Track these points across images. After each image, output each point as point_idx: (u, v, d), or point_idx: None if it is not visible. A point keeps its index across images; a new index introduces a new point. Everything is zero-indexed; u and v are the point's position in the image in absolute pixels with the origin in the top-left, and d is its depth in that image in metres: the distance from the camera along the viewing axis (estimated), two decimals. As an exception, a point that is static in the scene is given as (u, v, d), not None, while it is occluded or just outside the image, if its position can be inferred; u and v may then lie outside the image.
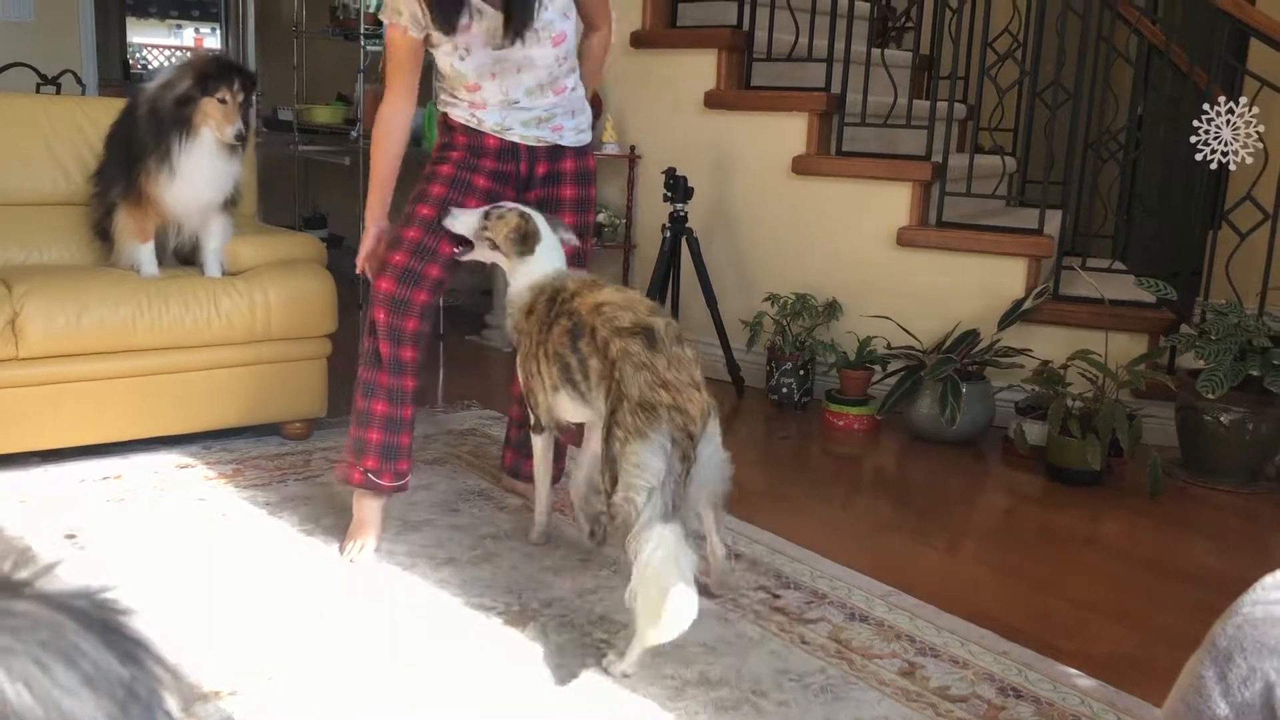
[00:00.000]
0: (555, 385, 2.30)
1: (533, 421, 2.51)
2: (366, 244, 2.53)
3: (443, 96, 2.59)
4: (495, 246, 2.43)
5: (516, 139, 2.55)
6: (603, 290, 2.26)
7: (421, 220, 2.48)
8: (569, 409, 2.34)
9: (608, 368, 2.11)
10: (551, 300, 2.32)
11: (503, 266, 2.47)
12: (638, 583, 1.93)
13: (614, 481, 2.02)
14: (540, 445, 2.55)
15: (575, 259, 2.56)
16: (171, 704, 0.44)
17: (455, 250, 2.48)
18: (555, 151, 2.60)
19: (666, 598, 1.88)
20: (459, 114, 2.55)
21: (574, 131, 2.62)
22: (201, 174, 3.05)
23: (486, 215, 2.43)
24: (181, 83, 2.99)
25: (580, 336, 2.20)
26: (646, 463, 1.98)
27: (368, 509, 2.53)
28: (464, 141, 2.56)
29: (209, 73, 3.00)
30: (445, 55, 2.45)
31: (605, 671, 2.03)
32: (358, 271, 2.58)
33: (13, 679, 0.38)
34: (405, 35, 2.41)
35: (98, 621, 0.43)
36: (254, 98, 3.13)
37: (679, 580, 1.89)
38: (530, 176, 2.61)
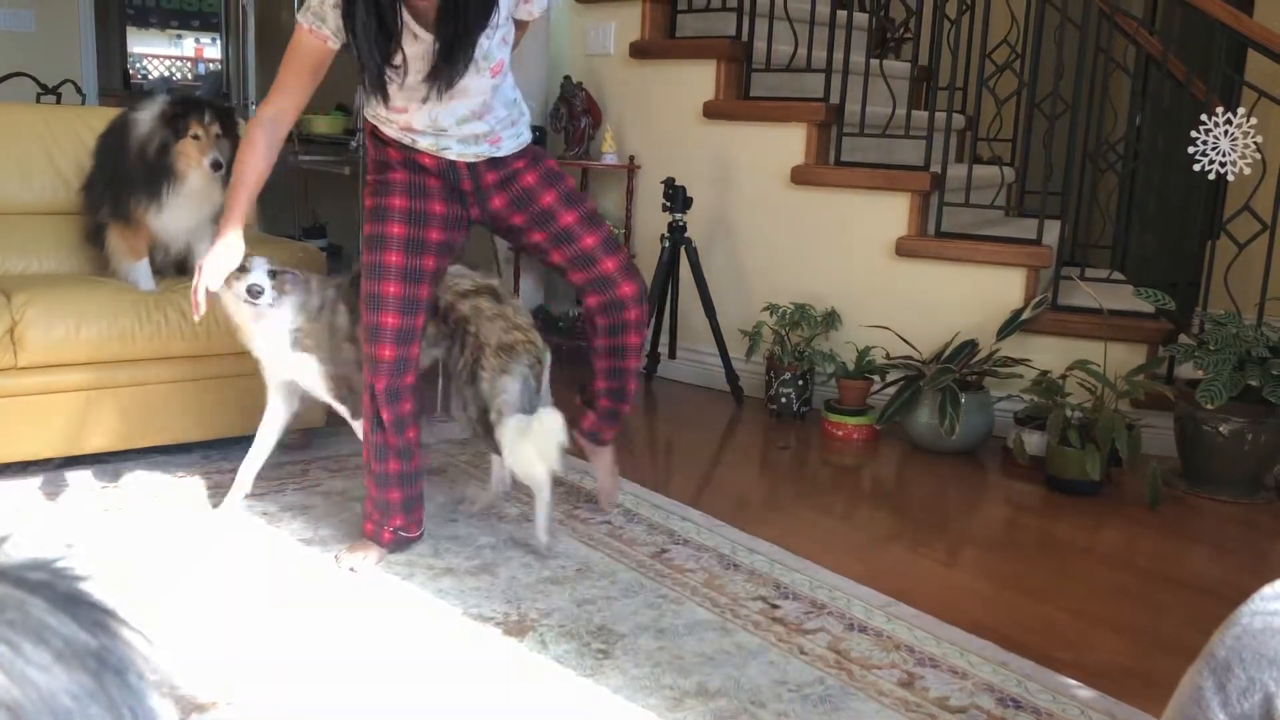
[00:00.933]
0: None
1: (355, 407, 2.64)
2: (215, 260, 2.31)
3: (368, 109, 2.43)
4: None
5: (454, 157, 2.43)
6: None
7: (396, 272, 2.39)
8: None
9: (454, 326, 2.55)
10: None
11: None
12: (509, 450, 2.46)
13: (484, 411, 2.49)
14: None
15: (591, 218, 2.58)
16: (143, 667, 0.44)
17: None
18: (496, 161, 2.48)
19: (531, 430, 2.42)
20: (391, 132, 2.41)
21: (513, 139, 2.49)
22: (190, 206, 3.08)
23: (273, 275, 2.54)
24: (155, 136, 3.01)
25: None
26: (512, 390, 2.48)
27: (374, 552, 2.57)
28: (399, 158, 2.43)
29: (176, 114, 3.01)
30: (370, 77, 2.27)
31: (530, 548, 2.57)
32: (194, 297, 2.31)
33: None
34: (323, 44, 2.25)
35: (61, 594, 0.42)
36: (235, 123, 3.12)
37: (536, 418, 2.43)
38: (481, 187, 2.49)
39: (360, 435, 2.59)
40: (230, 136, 3.04)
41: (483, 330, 2.51)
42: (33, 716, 0.38)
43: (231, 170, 2.68)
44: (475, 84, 2.31)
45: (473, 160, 2.44)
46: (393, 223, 2.41)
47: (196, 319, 2.41)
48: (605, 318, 2.60)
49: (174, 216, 3.08)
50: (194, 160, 3.01)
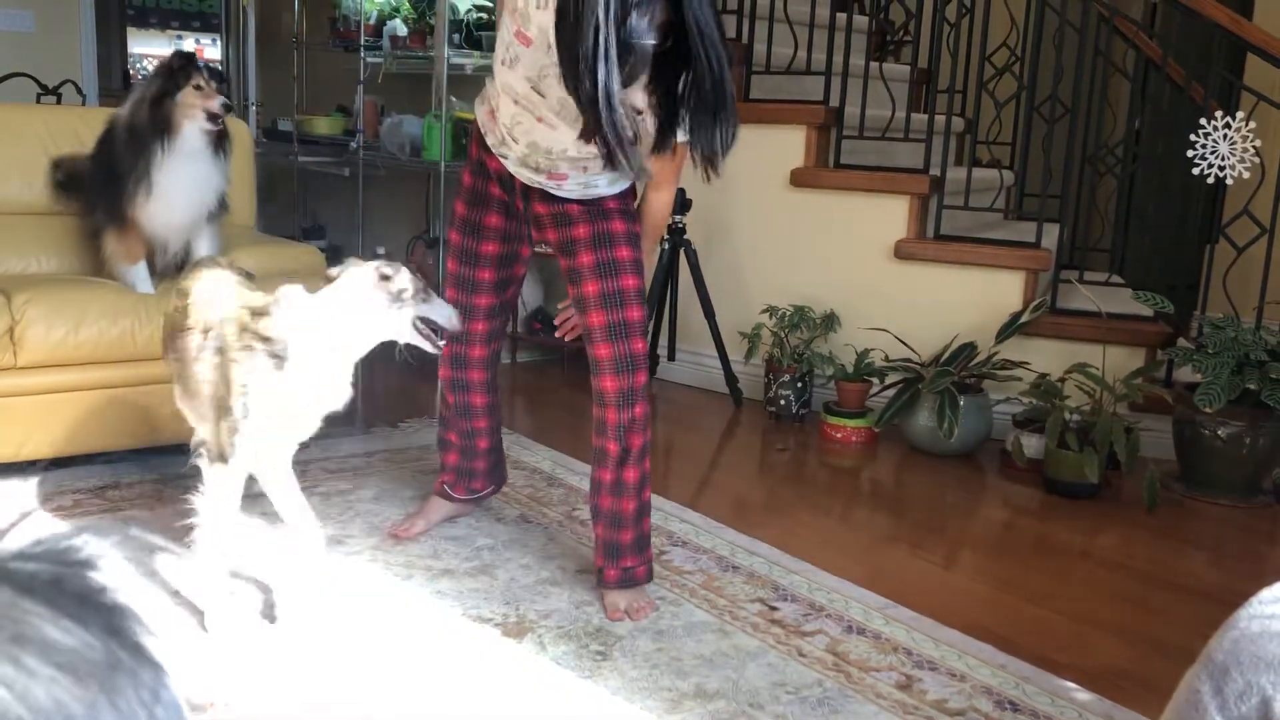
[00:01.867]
0: None
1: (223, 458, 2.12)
2: None
3: (487, 81, 2.29)
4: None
5: (510, 170, 2.30)
6: None
7: (452, 279, 2.48)
8: None
9: None
10: None
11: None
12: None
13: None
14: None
15: (609, 298, 2.26)
16: (158, 662, 0.43)
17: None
18: (554, 198, 2.29)
19: None
20: (480, 114, 2.31)
21: (580, 186, 2.25)
22: (180, 187, 3.00)
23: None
24: (152, 86, 2.98)
25: None
26: None
27: (435, 504, 2.71)
28: (475, 156, 2.38)
29: (176, 65, 3.00)
30: (500, 41, 2.11)
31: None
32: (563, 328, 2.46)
33: None
34: None
35: (70, 595, 0.41)
36: (227, 96, 3.12)
37: None
38: (530, 214, 2.35)
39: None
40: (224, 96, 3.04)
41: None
42: None
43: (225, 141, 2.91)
44: (566, 132, 2.08)
45: (526, 183, 2.29)
46: (453, 229, 2.46)
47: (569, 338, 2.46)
48: (593, 434, 2.34)
49: (163, 203, 3.00)
50: (196, 108, 2.95)
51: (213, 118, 2.98)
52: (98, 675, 0.39)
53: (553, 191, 2.27)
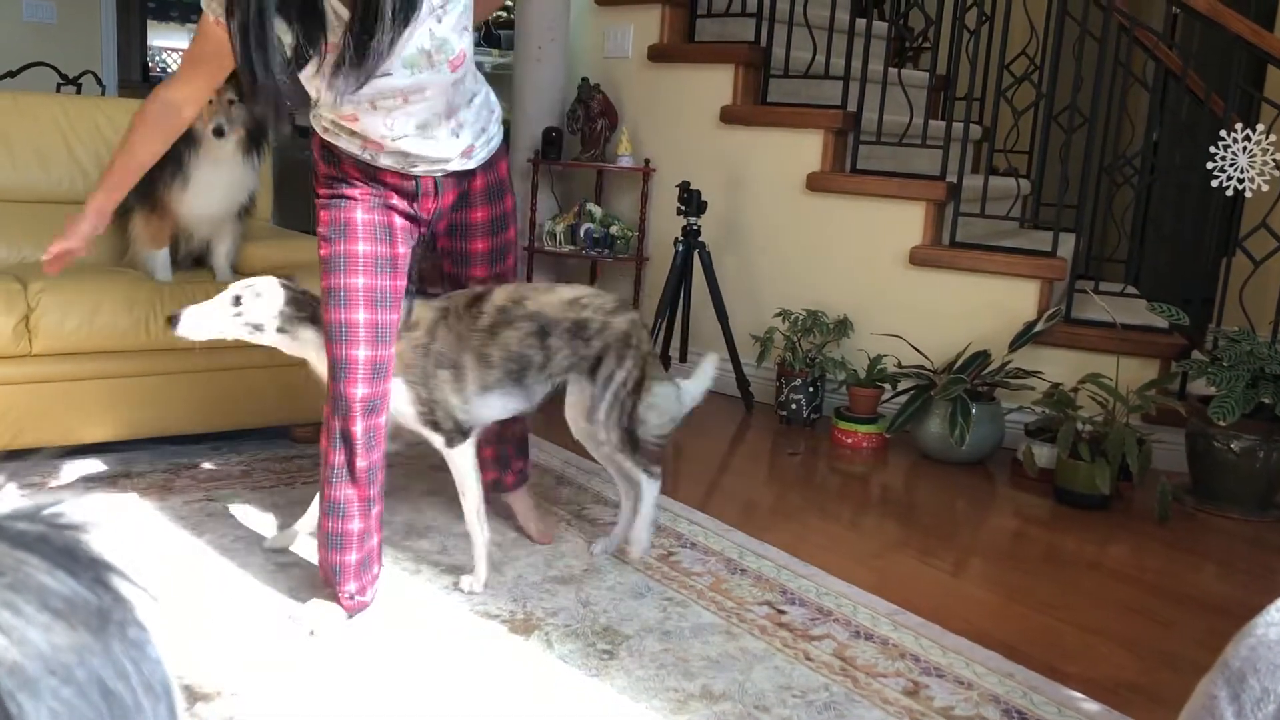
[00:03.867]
0: (486, 386, 2.32)
1: (448, 435, 2.32)
2: (81, 228, 2.10)
3: (317, 118, 2.13)
4: (259, 328, 2.28)
5: (420, 173, 2.17)
6: (552, 289, 2.43)
7: (366, 295, 2.12)
8: (497, 407, 2.38)
9: (613, 341, 2.38)
10: (461, 316, 2.30)
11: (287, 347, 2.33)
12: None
13: (633, 421, 2.44)
14: (469, 454, 2.37)
15: (497, 254, 2.40)
16: (142, 619, 0.44)
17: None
18: (463, 173, 2.23)
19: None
20: (347, 146, 2.11)
21: (485, 147, 2.24)
22: (214, 183, 3.08)
23: (237, 300, 2.27)
24: None
25: (553, 332, 2.33)
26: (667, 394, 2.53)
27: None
28: (358, 175, 2.14)
29: None
30: (308, 77, 1.94)
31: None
32: (45, 258, 2.14)
33: None
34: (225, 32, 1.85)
35: (59, 548, 0.42)
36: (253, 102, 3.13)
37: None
38: (440, 210, 2.26)
39: (456, 465, 2.35)
40: (242, 104, 3.04)
41: (644, 341, 2.45)
42: (34, 676, 0.38)
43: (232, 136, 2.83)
44: (433, 80, 1.97)
45: (439, 176, 2.20)
46: (358, 238, 2.13)
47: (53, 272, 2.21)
48: None
49: (198, 196, 3.06)
50: (203, 119, 2.97)
51: (217, 131, 3.00)
52: (90, 624, 0.41)
53: (467, 167, 2.20)
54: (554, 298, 2.38)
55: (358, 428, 2.13)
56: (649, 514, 2.50)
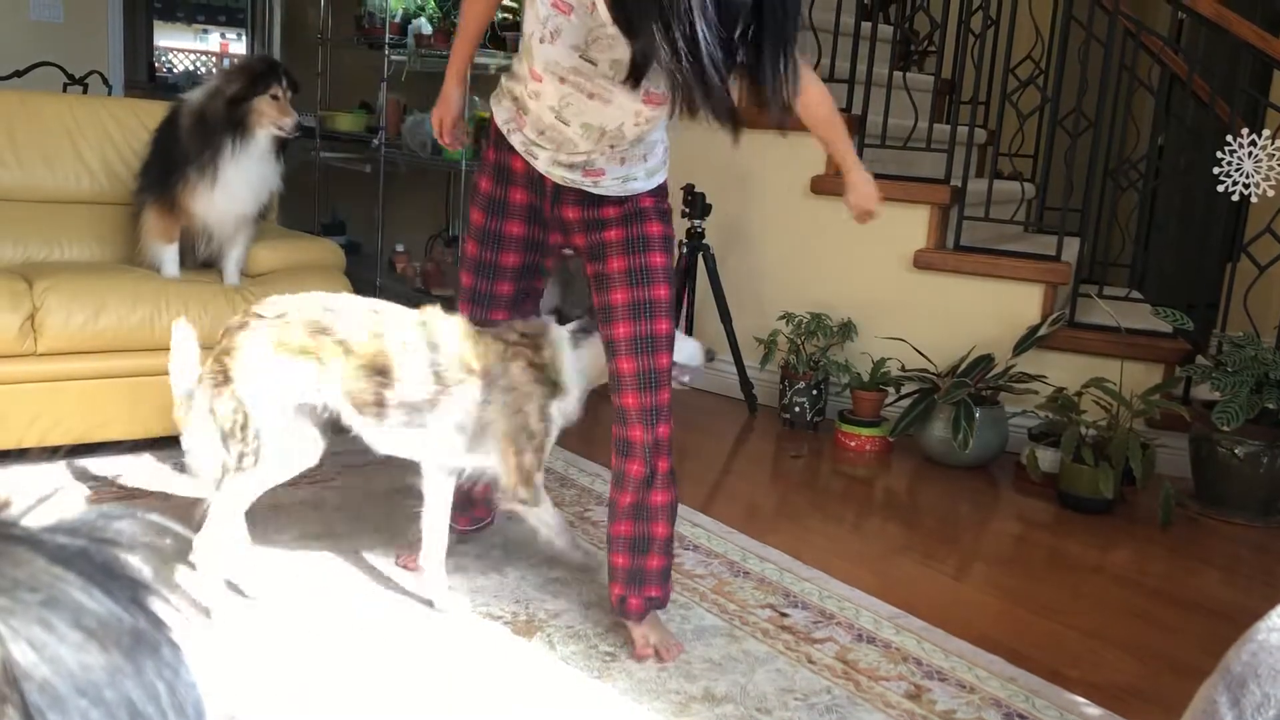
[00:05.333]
0: None
1: (534, 491, 2.20)
2: (450, 97, 2.41)
3: (503, 79, 2.14)
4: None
5: (541, 170, 2.11)
6: None
7: (465, 293, 2.31)
8: None
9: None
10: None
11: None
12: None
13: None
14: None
15: (639, 308, 2.12)
16: (177, 642, 0.44)
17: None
18: (590, 195, 2.12)
19: None
20: (501, 114, 2.14)
21: (618, 182, 2.09)
22: (245, 181, 3.10)
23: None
24: (232, 85, 3.05)
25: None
26: None
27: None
28: (493, 160, 2.20)
29: (259, 71, 3.07)
30: (532, 18, 1.88)
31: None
32: (438, 136, 2.45)
33: (16, 638, 0.38)
34: None
35: (98, 566, 0.42)
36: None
37: None
38: (557, 219, 2.19)
39: (544, 525, 2.24)
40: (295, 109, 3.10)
41: None
42: (64, 695, 0.38)
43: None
44: (623, 101, 1.89)
45: (559, 183, 2.11)
46: (470, 240, 2.29)
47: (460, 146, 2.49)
48: (613, 455, 2.18)
49: (225, 195, 3.08)
50: (270, 118, 3.04)
51: (296, 125, 3.06)
52: (122, 645, 0.40)
53: (589, 190, 2.10)
54: None
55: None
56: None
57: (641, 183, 2.12)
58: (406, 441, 2.19)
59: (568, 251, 2.38)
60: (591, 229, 2.15)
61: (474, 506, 2.55)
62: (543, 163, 2.09)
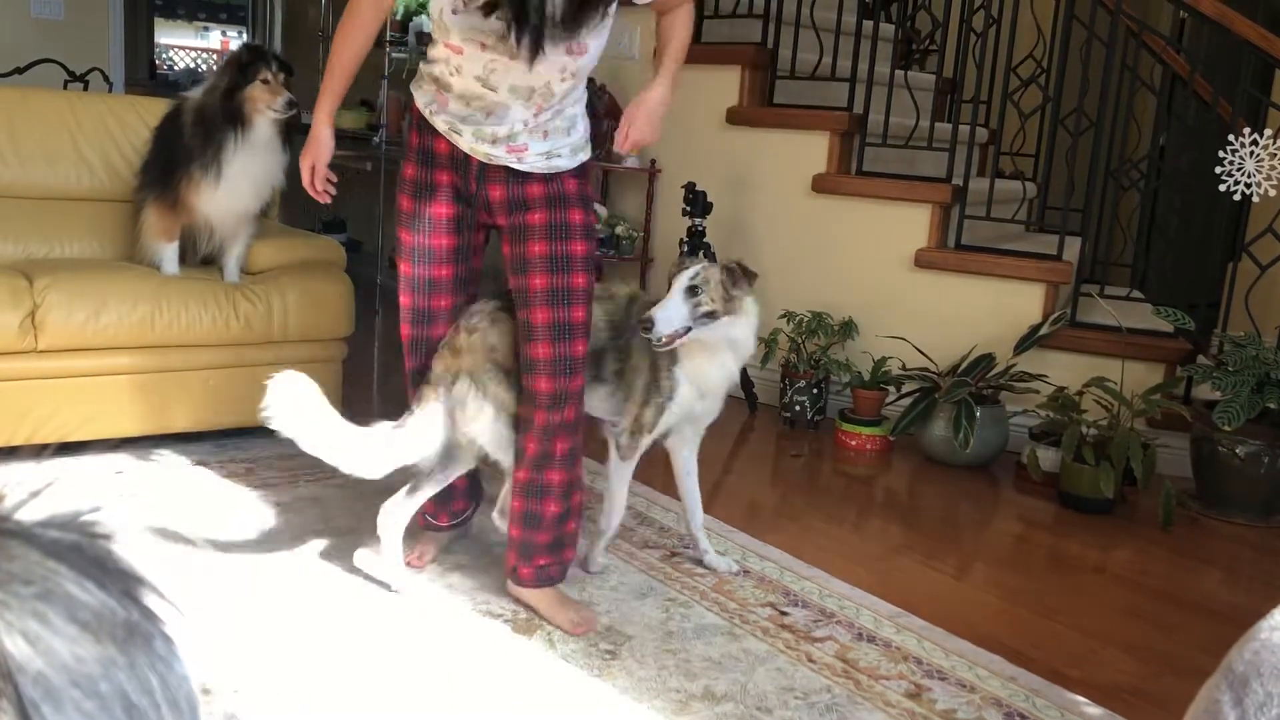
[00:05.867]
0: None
1: (640, 443, 2.43)
2: (319, 137, 2.27)
3: (421, 65, 2.15)
4: (714, 314, 2.29)
5: (465, 148, 2.15)
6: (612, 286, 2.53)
7: (406, 282, 2.30)
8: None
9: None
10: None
11: (720, 328, 2.34)
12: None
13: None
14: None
15: (557, 294, 2.16)
16: (169, 634, 0.44)
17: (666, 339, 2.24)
18: (515, 174, 2.16)
19: None
20: (423, 97, 2.15)
21: (542, 157, 2.14)
22: (250, 175, 3.10)
23: (693, 291, 2.26)
24: (224, 79, 3.05)
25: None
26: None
27: (428, 539, 2.52)
28: (416, 144, 2.21)
29: (245, 60, 3.07)
30: None
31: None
32: (309, 187, 2.33)
33: (11, 632, 0.38)
34: None
35: (90, 559, 0.42)
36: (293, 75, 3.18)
37: None
38: (481, 199, 2.20)
39: (611, 495, 2.47)
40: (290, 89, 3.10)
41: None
42: (58, 687, 0.38)
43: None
44: (554, 55, 1.97)
45: (484, 160, 2.15)
46: (401, 228, 2.27)
47: (327, 200, 2.38)
48: (525, 421, 2.22)
49: (229, 191, 3.08)
50: (264, 102, 3.04)
51: (290, 103, 3.06)
52: (116, 637, 0.40)
53: (514, 166, 2.13)
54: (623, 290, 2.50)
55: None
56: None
57: (566, 160, 2.16)
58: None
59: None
60: (515, 210, 2.18)
61: (453, 500, 2.54)
62: (466, 140, 2.13)
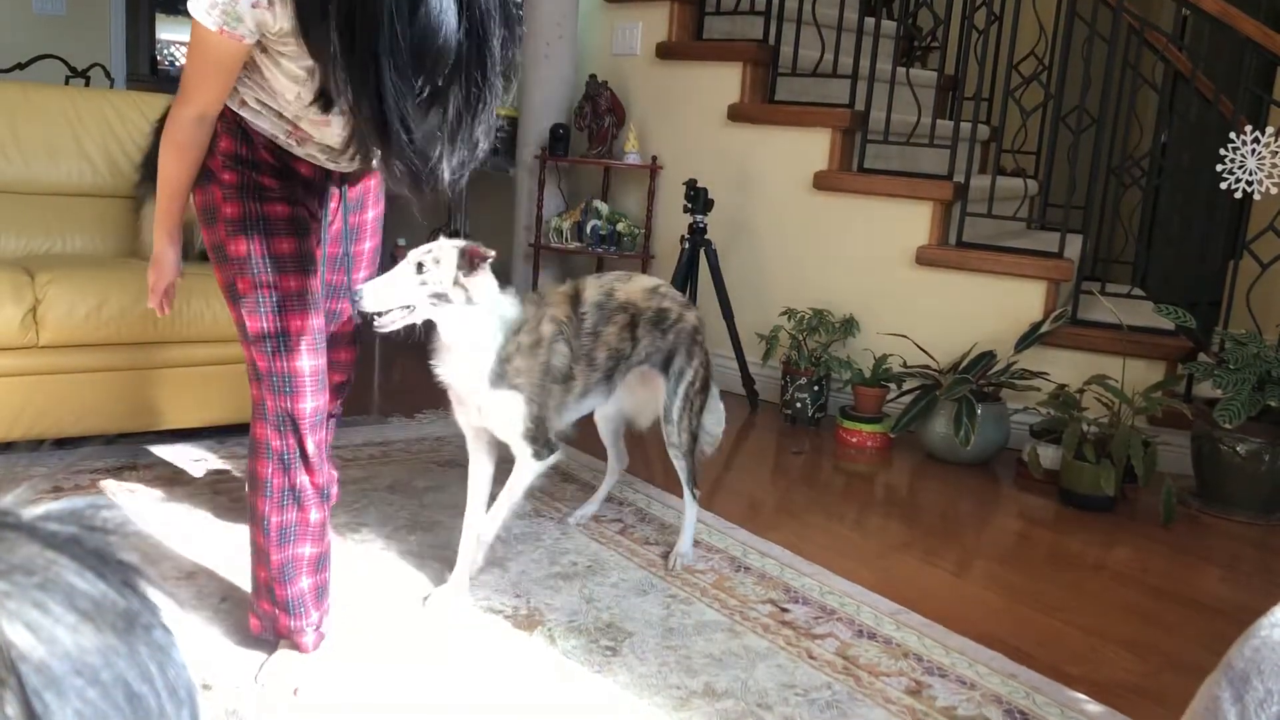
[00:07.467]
0: (587, 389, 2.34)
1: (540, 448, 2.26)
2: (165, 260, 2.07)
3: (244, 94, 1.85)
4: (443, 296, 2.09)
5: (331, 167, 1.98)
6: (630, 278, 2.47)
7: (299, 301, 1.93)
8: (585, 408, 2.44)
9: (684, 337, 2.49)
10: (570, 322, 2.28)
11: (453, 317, 2.11)
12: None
13: (698, 423, 2.54)
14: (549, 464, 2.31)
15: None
16: (168, 623, 0.44)
17: (375, 323, 2.07)
18: (358, 173, 2.07)
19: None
20: (270, 129, 1.88)
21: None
22: None
23: (420, 268, 2.08)
24: None
25: (640, 322, 2.40)
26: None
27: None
28: (268, 161, 1.91)
29: None
30: (288, 77, 1.72)
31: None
32: (153, 307, 2.11)
33: (13, 621, 0.39)
34: (241, 44, 1.69)
35: (89, 550, 0.42)
36: None
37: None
38: (342, 200, 2.10)
39: (530, 476, 2.28)
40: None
41: (705, 340, 2.58)
42: (60, 675, 0.38)
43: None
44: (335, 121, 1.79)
45: (348, 169, 2.00)
46: (280, 238, 1.92)
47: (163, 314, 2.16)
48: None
49: None
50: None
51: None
52: (116, 626, 0.41)
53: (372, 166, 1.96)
54: (636, 286, 2.45)
55: (310, 441, 1.93)
56: (691, 529, 2.62)
57: None
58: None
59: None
60: (357, 209, 2.15)
61: None
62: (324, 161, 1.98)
